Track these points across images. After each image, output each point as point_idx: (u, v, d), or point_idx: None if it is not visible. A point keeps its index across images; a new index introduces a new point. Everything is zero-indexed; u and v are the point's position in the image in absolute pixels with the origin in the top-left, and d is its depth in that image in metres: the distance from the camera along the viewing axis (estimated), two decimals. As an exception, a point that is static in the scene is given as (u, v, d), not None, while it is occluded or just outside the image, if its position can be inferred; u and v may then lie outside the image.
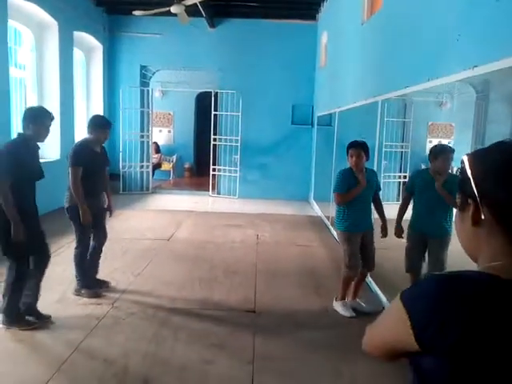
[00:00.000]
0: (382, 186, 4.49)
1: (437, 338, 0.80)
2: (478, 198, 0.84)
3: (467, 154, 0.89)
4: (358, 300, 4.12)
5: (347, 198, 3.89)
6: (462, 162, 0.89)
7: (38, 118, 3.46)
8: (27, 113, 3.54)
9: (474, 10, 2.85)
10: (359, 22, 6.01)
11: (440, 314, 0.80)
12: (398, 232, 3.96)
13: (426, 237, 3.72)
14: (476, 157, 0.87)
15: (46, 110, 3.58)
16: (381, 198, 4.25)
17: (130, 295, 4.30)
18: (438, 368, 0.82)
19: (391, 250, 5.15)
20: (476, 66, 2.56)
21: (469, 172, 0.86)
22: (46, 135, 3.56)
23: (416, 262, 3.79)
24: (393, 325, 0.89)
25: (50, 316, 3.65)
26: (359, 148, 3.86)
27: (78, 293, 4.20)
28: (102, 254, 4.46)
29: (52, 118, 3.56)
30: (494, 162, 0.83)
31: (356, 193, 3.85)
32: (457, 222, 0.95)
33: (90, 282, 4.25)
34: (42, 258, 3.61)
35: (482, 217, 0.85)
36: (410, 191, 3.91)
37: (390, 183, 8.29)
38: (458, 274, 0.86)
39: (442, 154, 3.59)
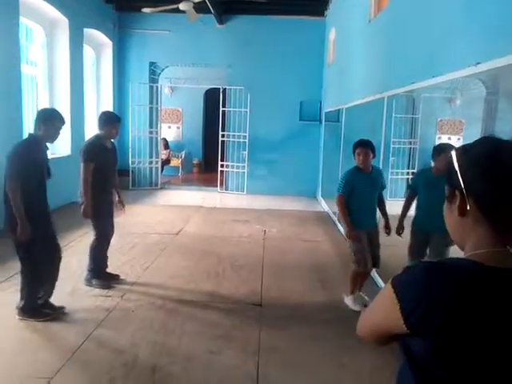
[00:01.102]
0: (389, 183, 4.54)
1: (424, 321, 0.86)
2: (463, 190, 0.90)
3: (455, 149, 0.95)
4: (361, 293, 4.16)
5: (343, 211, 3.99)
6: (450, 156, 0.94)
7: (49, 120, 3.52)
8: (40, 114, 3.62)
9: (477, 6, 2.88)
10: (366, 20, 6.03)
11: (427, 298, 0.86)
12: (400, 229, 4.01)
13: (428, 234, 3.75)
14: (462, 151, 0.93)
15: (58, 112, 3.65)
16: (388, 194, 4.29)
17: (139, 287, 4.39)
18: (425, 349, 0.89)
19: (398, 246, 5.18)
20: (479, 63, 2.59)
21: (455, 165, 0.92)
22: (56, 137, 3.62)
23: (415, 253, 3.85)
24: (384, 308, 0.95)
25: (64, 307, 3.75)
26: (366, 146, 3.92)
27: (88, 283, 4.31)
28: (112, 248, 4.55)
29: (63, 122, 3.62)
30: (476, 156, 0.89)
31: (348, 225, 3.96)
32: (445, 214, 1.01)
33: (101, 273, 4.36)
34: (54, 258, 3.67)
35: (468, 207, 0.91)
36: (413, 189, 3.96)
37: (398, 180, 8.26)
38: (444, 261, 0.92)
39: (443, 151, 3.61)
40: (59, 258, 3.72)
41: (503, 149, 0.87)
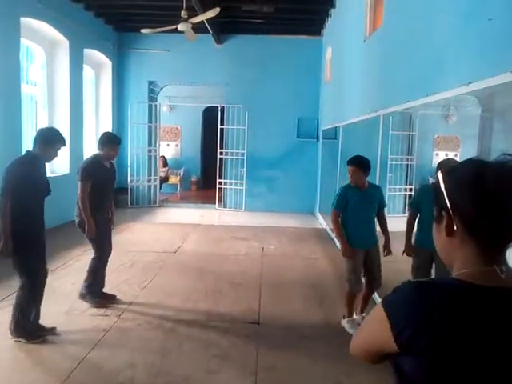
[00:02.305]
0: (387, 199, 4.51)
1: (413, 340, 0.87)
2: (450, 211, 0.92)
3: (441, 170, 0.97)
4: (364, 315, 4.07)
5: (337, 227, 3.97)
6: (437, 178, 0.96)
7: (49, 141, 3.52)
8: (40, 133, 3.60)
9: (468, 27, 2.94)
10: (362, 39, 6.13)
11: (416, 317, 0.88)
12: (409, 251, 3.84)
13: (432, 253, 3.66)
14: (448, 173, 0.95)
15: (59, 133, 3.63)
16: (386, 210, 4.26)
17: (136, 307, 4.37)
18: (415, 367, 0.90)
19: (397, 262, 5.17)
20: (471, 83, 2.64)
21: (442, 186, 0.94)
22: (54, 157, 3.62)
23: (419, 272, 3.78)
24: (375, 328, 0.96)
25: (55, 327, 3.70)
26: (354, 164, 3.91)
27: (82, 298, 4.28)
28: (111, 267, 4.54)
29: (64, 144, 3.62)
30: (461, 177, 0.92)
31: (343, 242, 3.93)
32: (434, 234, 1.02)
33: (96, 290, 4.33)
34: (43, 275, 3.63)
35: (455, 228, 0.93)
36: (415, 208, 3.82)
37: (396, 196, 8.28)
38: (433, 280, 0.94)
39: (443, 167, 3.60)
40: (46, 277, 3.65)
41: (487, 171, 0.89)
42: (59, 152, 3.63)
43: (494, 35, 2.58)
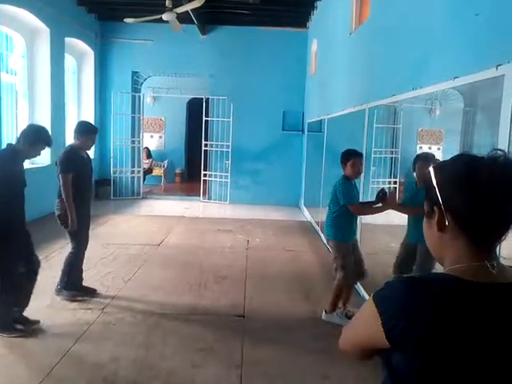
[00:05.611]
0: (370, 192, 4.59)
1: (404, 336, 0.86)
2: (441, 206, 0.91)
3: (432, 165, 0.96)
4: (349, 309, 4.02)
5: (368, 211, 3.80)
6: (428, 172, 0.96)
7: (35, 141, 3.47)
8: (29, 129, 3.54)
9: (455, 22, 2.95)
10: (347, 32, 6.12)
11: (407, 313, 0.87)
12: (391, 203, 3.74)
13: (416, 245, 3.72)
14: (439, 168, 0.95)
15: (47, 136, 3.57)
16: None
17: (119, 300, 4.32)
18: (406, 363, 0.90)
19: (379, 255, 5.24)
20: (456, 77, 2.65)
21: (433, 181, 0.93)
22: (35, 156, 3.58)
23: (402, 267, 3.84)
24: (366, 323, 0.96)
25: (39, 321, 3.65)
26: (361, 157, 3.82)
27: (58, 292, 4.20)
28: (94, 260, 4.48)
29: (49, 145, 3.56)
30: (453, 173, 0.91)
31: (379, 208, 3.71)
32: (425, 229, 1.02)
33: (72, 285, 4.24)
34: (30, 272, 3.56)
35: (446, 223, 0.92)
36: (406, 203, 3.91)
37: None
38: (424, 276, 0.94)
39: (417, 161, 3.68)
40: (35, 272, 3.60)
41: (479, 166, 0.89)
42: (42, 152, 3.58)
43: (480, 30, 2.58)
